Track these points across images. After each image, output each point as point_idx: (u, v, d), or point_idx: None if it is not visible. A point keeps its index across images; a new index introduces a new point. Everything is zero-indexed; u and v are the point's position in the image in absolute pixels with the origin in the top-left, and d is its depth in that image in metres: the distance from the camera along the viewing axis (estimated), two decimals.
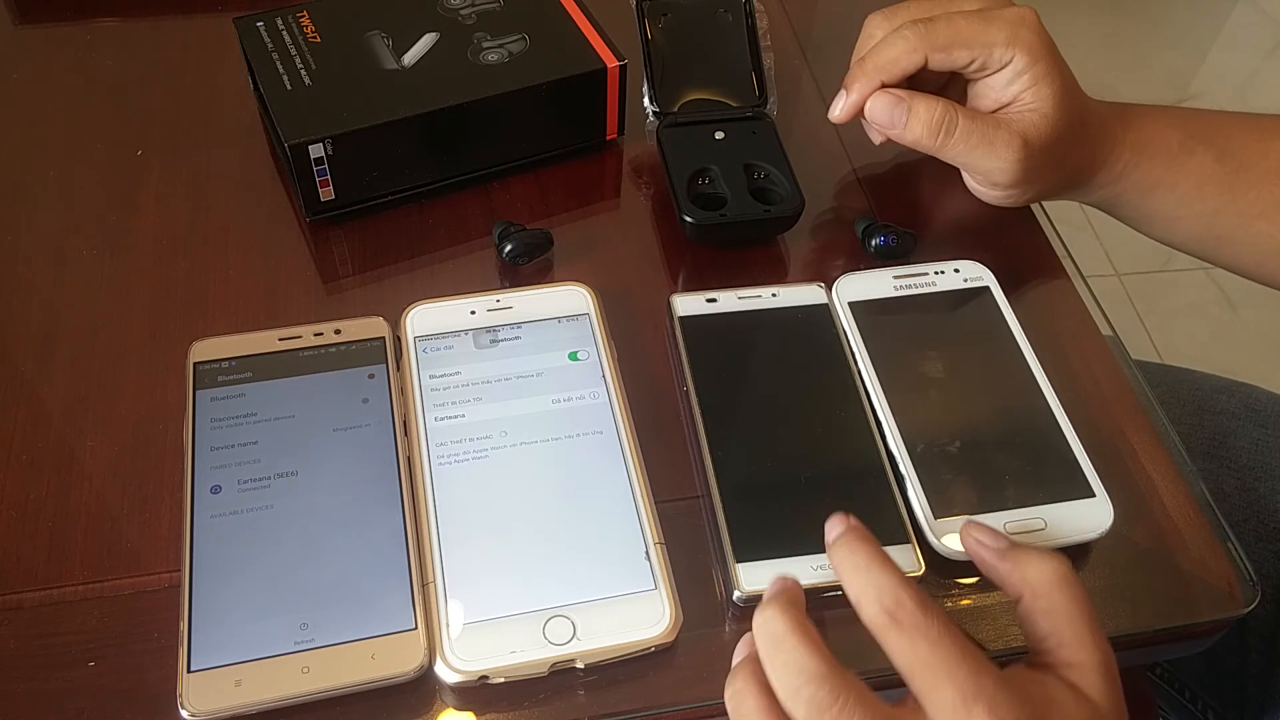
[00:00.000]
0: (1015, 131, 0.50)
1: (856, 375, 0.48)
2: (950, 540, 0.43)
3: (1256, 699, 0.61)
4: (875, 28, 0.54)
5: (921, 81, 0.53)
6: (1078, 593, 0.36)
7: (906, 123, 0.51)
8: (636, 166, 0.60)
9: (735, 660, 0.37)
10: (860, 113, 0.53)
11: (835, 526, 0.37)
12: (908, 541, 0.43)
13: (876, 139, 0.55)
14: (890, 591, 0.34)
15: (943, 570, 0.44)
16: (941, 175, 0.58)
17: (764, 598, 0.36)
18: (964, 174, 0.56)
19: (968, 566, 0.41)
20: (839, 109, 0.53)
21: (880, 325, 0.50)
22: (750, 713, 0.34)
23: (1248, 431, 0.67)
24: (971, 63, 0.50)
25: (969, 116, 0.51)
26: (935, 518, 0.44)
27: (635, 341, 0.50)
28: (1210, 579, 0.45)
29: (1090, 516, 0.44)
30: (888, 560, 0.35)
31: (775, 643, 0.34)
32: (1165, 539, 0.46)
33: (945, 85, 0.55)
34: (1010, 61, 0.50)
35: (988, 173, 0.53)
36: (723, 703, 0.40)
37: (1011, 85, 0.51)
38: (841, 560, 0.35)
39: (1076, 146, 0.53)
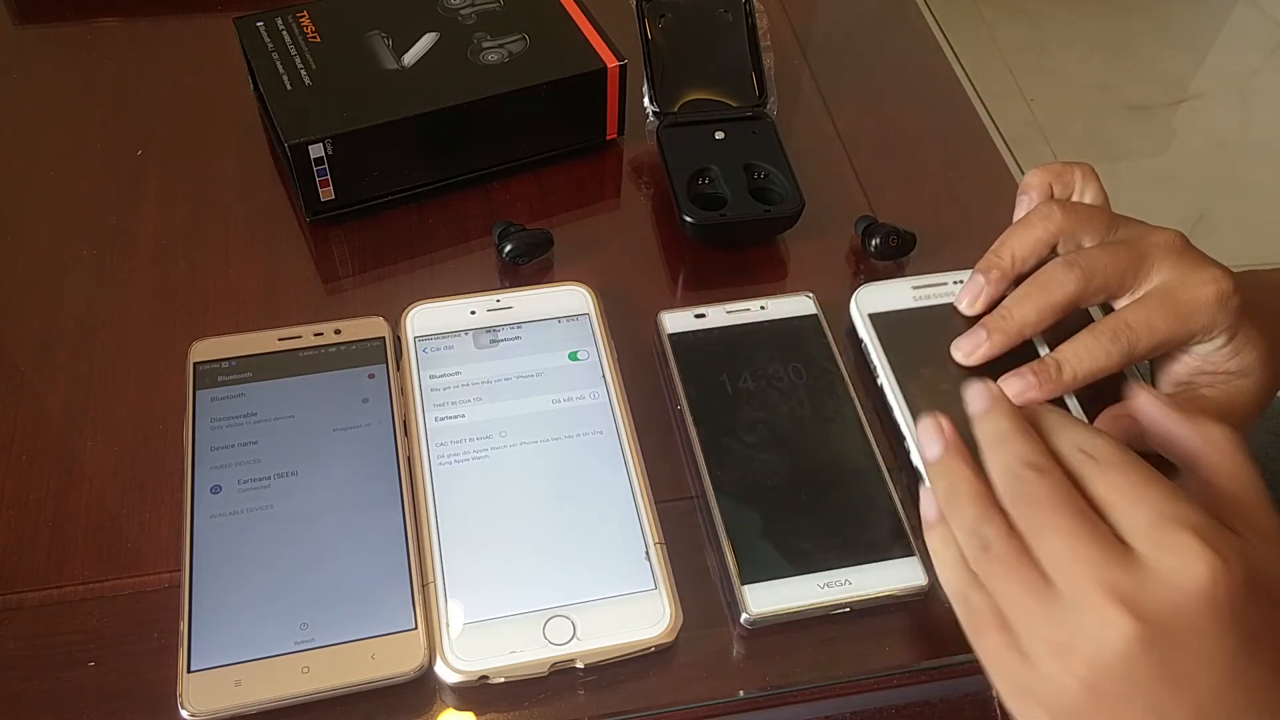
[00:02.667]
0: (1235, 415, 0.45)
1: (850, 385, 0.48)
2: None
3: None
4: (1050, 232, 0.47)
5: None
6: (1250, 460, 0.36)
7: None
8: (636, 166, 0.60)
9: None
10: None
11: (933, 442, 0.39)
12: (911, 555, 0.43)
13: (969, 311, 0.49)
14: (1083, 434, 0.37)
15: None
16: (942, 175, 0.58)
17: (980, 406, 0.39)
18: None
19: None
20: (968, 353, 0.47)
21: (902, 337, 0.49)
22: (964, 492, 0.37)
23: (1258, 436, 0.66)
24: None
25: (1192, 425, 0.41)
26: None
27: (635, 341, 0.50)
28: None
29: None
30: (1024, 431, 0.38)
31: (1000, 435, 0.38)
32: None
33: None
34: (1210, 338, 0.45)
35: None
36: (723, 703, 0.40)
37: (1211, 357, 0.46)
38: (985, 435, 0.38)
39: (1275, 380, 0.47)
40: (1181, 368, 0.47)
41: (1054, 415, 0.39)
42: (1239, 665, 0.33)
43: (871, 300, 0.50)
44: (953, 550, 0.38)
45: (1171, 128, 1.86)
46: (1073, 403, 0.47)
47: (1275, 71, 1.98)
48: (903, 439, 0.46)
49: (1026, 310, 0.46)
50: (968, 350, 0.47)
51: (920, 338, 0.49)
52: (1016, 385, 0.45)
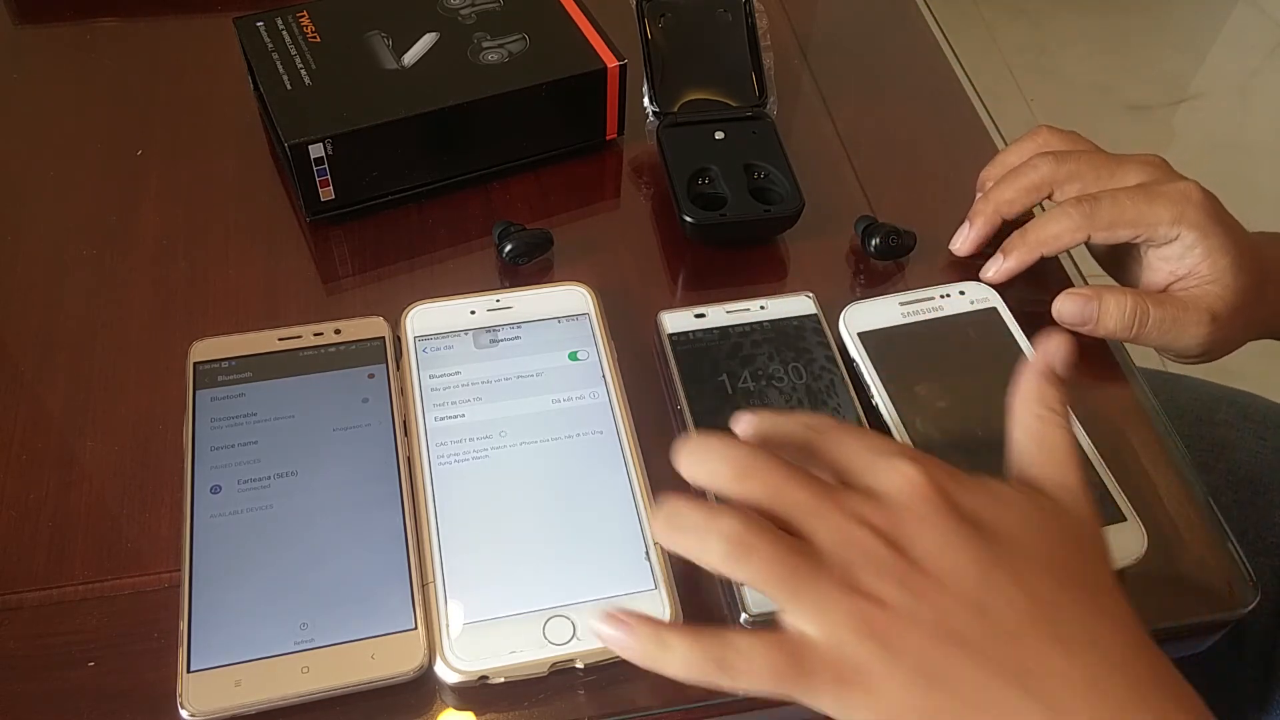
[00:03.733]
0: (1202, 308, 0.50)
1: (849, 385, 0.48)
2: None
3: (1253, 709, 0.61)
4: (1037, 146, 0.54)
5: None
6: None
7: (1098, 319, 0.50)
8: (636, 166, 0.60)
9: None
10: (1013, 277, 0.52)
11: (680, 454, 0.37)
12: None
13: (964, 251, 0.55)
14: (804, 415, 0.39)
15: None
16: (941, 175, 0.58)
17: (687, 452, 0.37)
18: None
19: None
20: (994, 271, 0.53)
21: (893, 356, 0.49)
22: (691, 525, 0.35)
23: (1246, 443, 0.66)
24: (1135, 238, 0.50)
25: (1158, 304, 0.50)
26: None
27: (635, 341, 0.50)
28: (1209, 579, 0.45)
29: (1123, 543, 0.44)
30: (724, 436, 0.37)
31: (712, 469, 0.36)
32: (1165, 539, 0.46)
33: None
34: (1178, 238, 0.49)
35: (1180, 350, 0.52)
36: (723, 702, 0.40)
37: (1185, 258, 0.50)
38: (686, 463, 0.37)
39: (1262, 304, 0.52)
40: (1160, 275, 0.51)
41: (765, 418, 0.39)
42: (987, 551, 0.34)
43: (860, 319, 0.50)
44: (760, 646, 0.34)
45: (1171, 128, 1.86)
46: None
47: (1275, 71, 1.98)
48: None
49: (1002, 189, 0.53)
50: (958, 245, 0.54)
51: (912, 355, 0.49)
52: (993, 265, 0.52)
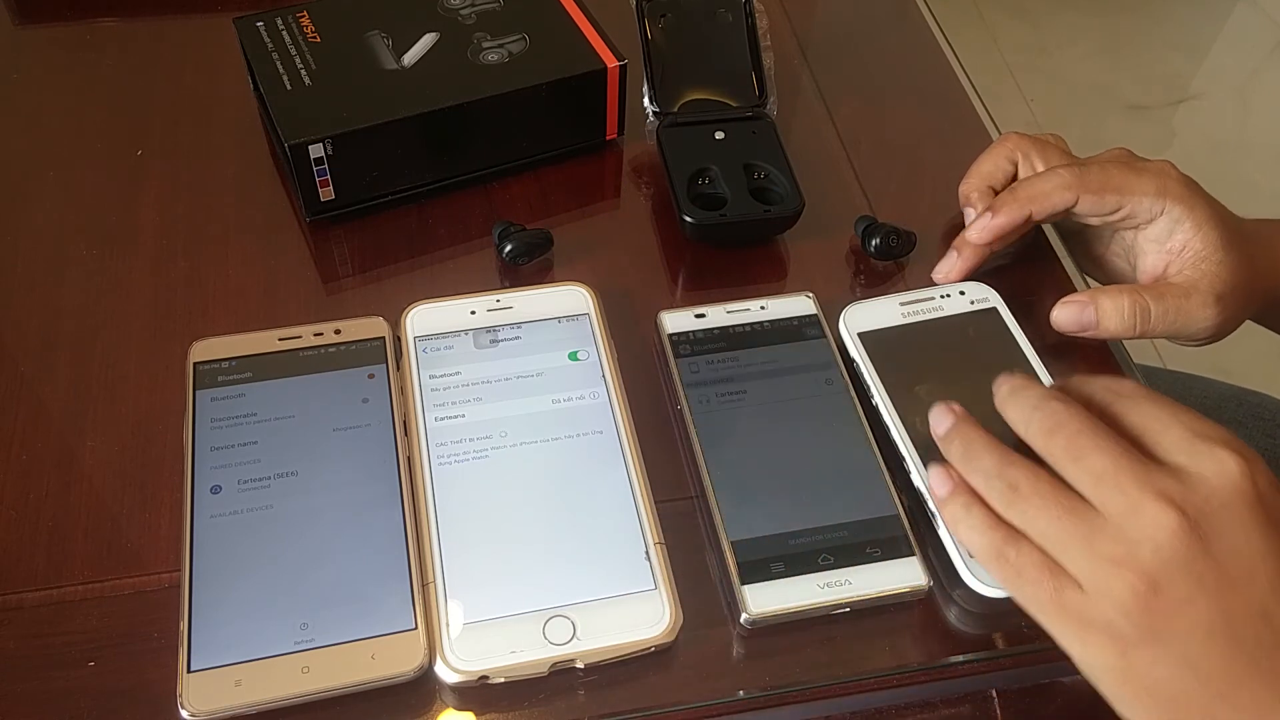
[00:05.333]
0: (1204, 290, 0.49)
1: (849, 385, 0.48)
2: (989, 579, 0.42)
3: None
4: (1008, 150, 0.54)
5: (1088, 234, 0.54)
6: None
7: (1098, 323, 0.50)
8: (636, 166, 0.60)
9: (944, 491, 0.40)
10: (1002, 237, 0.52)
11: (944, 419, 0.41)
12: (911, 555, 0.43)
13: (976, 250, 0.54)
14: (1107, 379, 0.40)
15: (984, 614, 0.43)
16: (941, 175, 0.58)
17: (946, 427, 0.40)
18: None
19: (1005, 604, 0.41)
20: (978, 232, 0.52)
21: (893, 356, 0.49)
22: (980, 444, 0.39)
23: (1255, 441, 0.66)
24: (1119, 209, 0.50)
25: (1158, 297, 0.49)
26: (970, 556, 0.42)
27: (635, 341, 0.50)
28: None
29: None
30: (1037, 383, 0.40)
31: (1015, 387, 0.40)
32: None
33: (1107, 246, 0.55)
34: (1163, 212, 0.50)
35: (1190, 335, 0.51)
36: (723, 703, 0.40)
37: (1175, 234, 0.50)
38: (1000, 393, 0.40)
39: (1255, 275, 0.52)
40: (1153, 259, 0.51)
41: (1076, 378, 0.41)
42: None
43: (860, 319, 0.50)
44: (976, 513, 0.38)
45: (1171, 128, 1.86)
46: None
47: (1275, 71, 1.98)
48: (901, 461, 0.46)
49: (981, 163, 0.54)
50: (974, 234, 0.52)
51: (913, 356, 0.49)
52: (980, 222, 0.51)
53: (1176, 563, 0.34)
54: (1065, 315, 0.51)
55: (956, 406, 0.41)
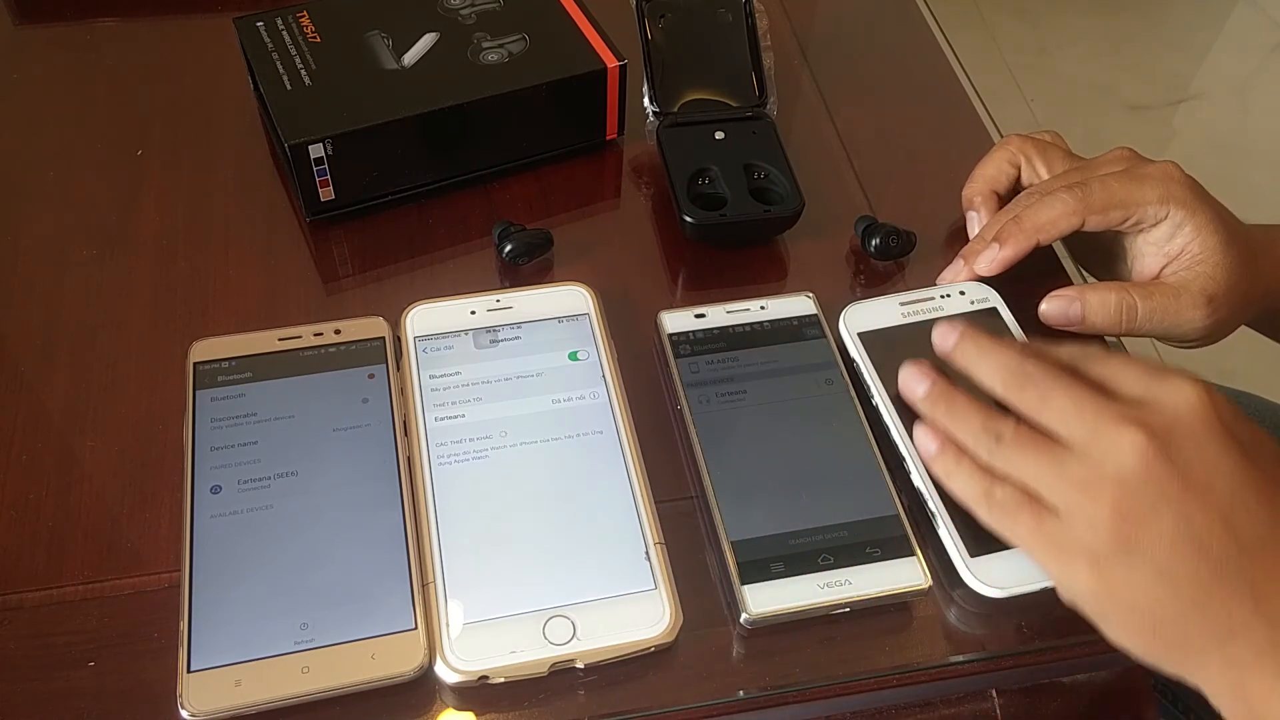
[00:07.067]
0: (1195, 291, 0.50)
1: (849, 385, 0.48)
2: (989, 579, 0.42)
3: None
4: (1010, 152, 0.55)
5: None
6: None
7: (1084, 317, 0.50)
8: (636, 166, 0.60)
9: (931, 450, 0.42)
10: (1010, 267, 0.51)
11: (920, 380, 0.43)
12: (911, 555, 0.43)
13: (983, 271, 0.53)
14: (1075, 343, 0.42)
15: (984, 614, 0.43)
16: (941, 175, 0.58)
17: (950, 340, 0.43)
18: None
19: (1005, 604, 0.41)
20: (986, 263, 0.51)
21: (893, 356, 0.48)
22: (964, 404, 0.42)
23: None
24: (1126, 220, 0.50)
25: (1146, 295, 0.50)
26: (971, 556, 0.42)
27: (635, 341, 0.50)
28: None
29: None
30: (1003, 342, 0.42)
31: (981, 349, 0.42)
32: None
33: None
34: (1166, 217, 0.50)
35: (1182, 336, 0.52)
36: (723, 703, 0.40)
37: (1175, 238, 0.50)
38: (966, 354, 0.43)
39: (1256, 280, 0.52)
40: (1151, 261, 0.51)
41: (1042, 343, 0.43)
42: (1245, 472, 0.37)
43: (860, 319, 0.50)
44: (966, 465, 0.41)
45: (1171, 128, 1.86)
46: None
47: (1275, 71, 1.98)
48: (901, 461, 0.46)
49: (984, 167, 0.55)
50: (981, 265, 0.51)
51: (913, 355, 0.48)
52: (988, 255, 0.51)
53: (1140, 477, 0.37)
54: (1052, 309, 0.51)
55: (926, 365, 0.43)
